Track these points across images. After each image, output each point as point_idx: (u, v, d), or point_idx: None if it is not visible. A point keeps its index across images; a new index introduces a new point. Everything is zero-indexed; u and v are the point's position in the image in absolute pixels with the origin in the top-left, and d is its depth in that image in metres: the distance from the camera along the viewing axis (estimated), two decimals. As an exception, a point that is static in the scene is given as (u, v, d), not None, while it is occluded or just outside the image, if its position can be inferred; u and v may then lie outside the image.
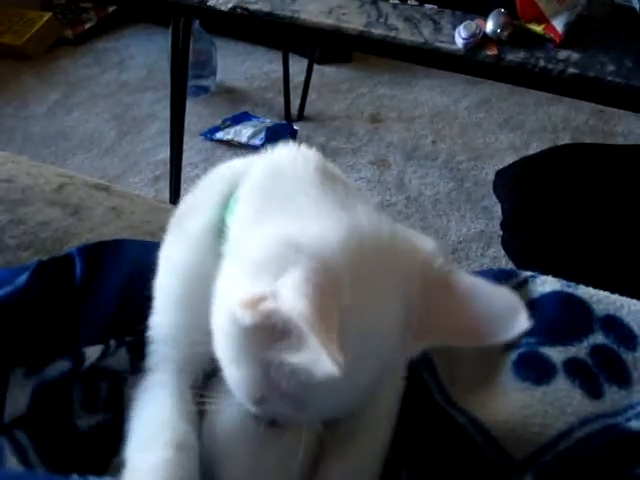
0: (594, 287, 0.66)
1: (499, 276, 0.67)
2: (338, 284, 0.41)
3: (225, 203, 0.53)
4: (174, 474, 0.47)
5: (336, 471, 0.51)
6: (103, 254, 0.65)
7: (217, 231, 0.52)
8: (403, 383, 0.57)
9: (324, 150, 2.15)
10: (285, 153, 0.54)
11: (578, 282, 0.66)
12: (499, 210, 1.79)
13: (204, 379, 0.54)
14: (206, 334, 0.48)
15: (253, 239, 0.46)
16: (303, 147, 0.54)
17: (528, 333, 0.63)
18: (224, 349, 0.46)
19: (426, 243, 0.48)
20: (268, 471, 0.50)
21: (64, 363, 0.57)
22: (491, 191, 1.84)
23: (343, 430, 0.52)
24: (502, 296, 0.45)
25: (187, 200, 0.59)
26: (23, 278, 0.59)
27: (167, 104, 1.76)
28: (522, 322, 0.44)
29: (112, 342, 0.58)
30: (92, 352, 0.57)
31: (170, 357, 0.54)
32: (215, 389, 0.52)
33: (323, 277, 0.40)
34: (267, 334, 0.40)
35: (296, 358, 0.39)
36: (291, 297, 0.39)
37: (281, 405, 0.45)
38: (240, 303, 0.41)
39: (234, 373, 0.46)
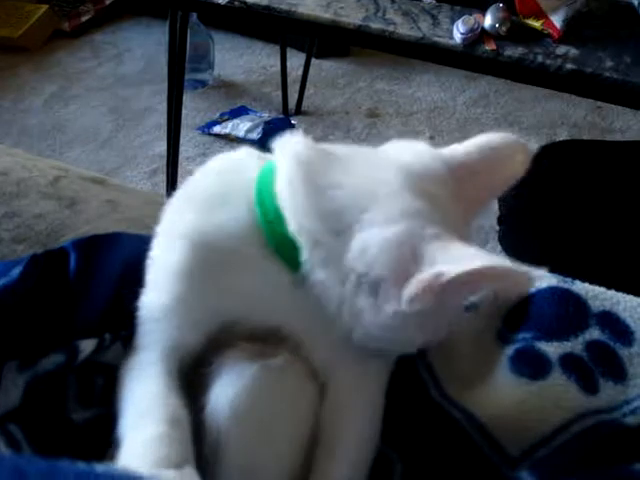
0: (590, 283, 0.66)
1: (495, 271, 0.67)
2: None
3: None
4: (168, 449, 0.47)
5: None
6: (98, 247, 0.64)
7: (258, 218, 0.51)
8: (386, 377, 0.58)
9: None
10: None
11: (574, 278, 0.66)
12: (496, 205, 1.79)
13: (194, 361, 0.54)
14: (200, 320, 0.52)
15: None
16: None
17: (524, 328, 0.63)
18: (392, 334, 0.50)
19: (419, 147, 0.53)
20: (280, 429, 0.50)
21: (58, 356, 0.56)
22: (488, 186, 1.84)
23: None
24: (501, 138, 0.52)
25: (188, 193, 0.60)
26: (17, 271, 0.59)
27: (164, 97, 1.75)
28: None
29: (107, 336, 0.58)
30: (86, 345, 0.57)
31: (160, 337, 0.54)
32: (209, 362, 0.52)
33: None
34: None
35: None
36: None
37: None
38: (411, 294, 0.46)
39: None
